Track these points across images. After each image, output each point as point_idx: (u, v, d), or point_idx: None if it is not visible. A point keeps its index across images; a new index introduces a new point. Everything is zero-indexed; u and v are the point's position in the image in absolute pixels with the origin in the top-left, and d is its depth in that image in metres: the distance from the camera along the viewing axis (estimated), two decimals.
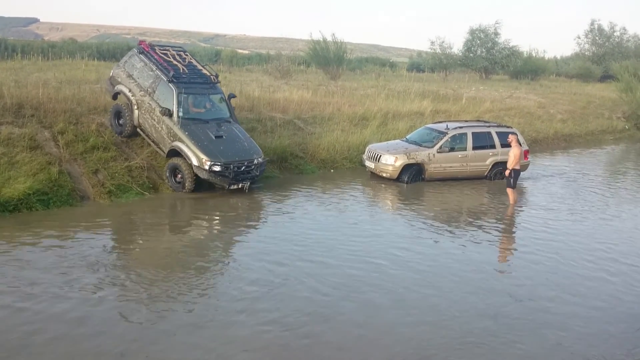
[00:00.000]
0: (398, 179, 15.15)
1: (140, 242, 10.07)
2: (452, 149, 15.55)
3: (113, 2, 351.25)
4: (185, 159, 12.46)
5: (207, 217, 11.66)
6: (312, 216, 11.92)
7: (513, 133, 15.49)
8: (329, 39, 34.91)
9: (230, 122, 13.57)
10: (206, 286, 8.12)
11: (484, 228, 11.76)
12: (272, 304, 7.57)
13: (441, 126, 16.37)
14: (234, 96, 14.69)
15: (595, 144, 25.27)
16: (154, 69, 13.13)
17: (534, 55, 48.72)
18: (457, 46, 54.68)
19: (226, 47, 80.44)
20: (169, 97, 12.73)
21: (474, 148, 15.62)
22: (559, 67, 55.20)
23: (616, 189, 16.38)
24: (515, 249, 10.65)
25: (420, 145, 15.63)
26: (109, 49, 45.43)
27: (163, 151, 13.01)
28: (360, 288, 8.27)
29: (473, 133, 15.79)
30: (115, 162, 13.06)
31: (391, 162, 15.10)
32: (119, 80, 13.69)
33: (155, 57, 13.41)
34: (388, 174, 15.20)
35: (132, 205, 12.02)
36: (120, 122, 13.68)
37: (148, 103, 13.02)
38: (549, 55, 71.26)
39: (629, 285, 8.89)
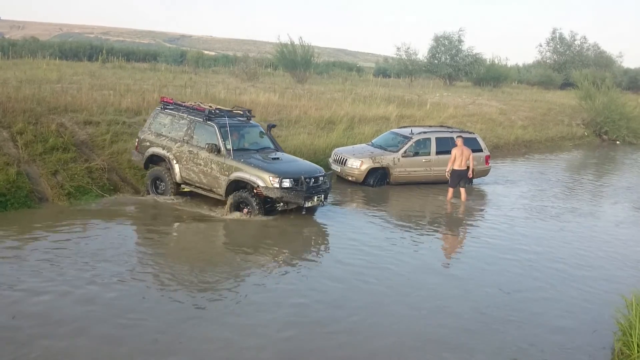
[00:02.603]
0: (364, 183, 15.26)
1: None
2: (416, 154, 15.74)
3: (76, 1, 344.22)
4: (248, 188, 11.56)
5: (162, 220, 11.53)
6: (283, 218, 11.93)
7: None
8: (297, 42, 35.11)
9: (277, 150, 12.82)
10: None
11: (444, 229, 12.02)
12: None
13: (406, 131, 16.57)
14: (274, 125, 13.89)
15: (555, 150, 25.90)
16: (186, 116, 12.36)
17: (496, 62, 49.63)
18: (422, 52, 55.34)
19: (192, 48, 79.75)
20: (211, 135, 11.88)
21: (438, 153, 15.82)
22: (521, 74, 56.42)
23: (572, 194, 16.81)
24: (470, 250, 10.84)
25: (386, 150, 15.78)
26: (71, 48, 44.65)
27: (220, 194, 11.91)
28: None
29: (437, 138, 16.02)
30: (75, 163, 12.79)
31: (357, 165, 15.20)
32: (148, 144, 12.65)
33: (183, 105, 12.68)
34: (354, 178, 15.30)
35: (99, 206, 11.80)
36: (161, 186, 12.64)
37: (188, 151, 12.13)
38: (511, 62, 73.07)
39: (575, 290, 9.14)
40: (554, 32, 59.91)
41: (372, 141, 16.91)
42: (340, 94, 27.26)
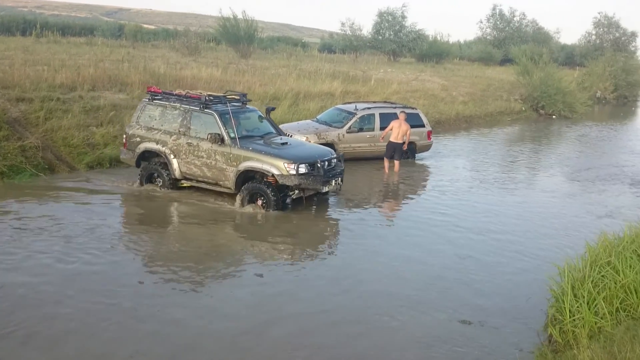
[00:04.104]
0: None
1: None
2: (360, 130, 15.84)
3: None
4: (257, 178, 10.89)
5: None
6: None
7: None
8: (240, 16, 34.51)
9: (280, 135, 12.17)
10: None
11: (392, 202, 12.25)
12: None
13: (350, 107, 16.62)
14: (273, 109, 13.18)
15: (494, 125, 26.57)
16: (178, 105, 11.45)
17: (438, 39, 50.32)
18: (366, 28, 55.42)
19: (130, 21, 77.08)
20: (211, 124, 11.06)
21: (382, 128, 15.91)
22: (462, 50, 57.43)
23: (510, 166, 17.35)
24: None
25: (331, 126, 15.79)
26: (3, 23, 42.55)
27: (227, 187, 11.08)
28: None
29: (380, 114, 16.15)
30: (7, 141, 12.25)
31: None
32: (139, 139, 11.69)
33: (174, 94, 11.80)
34: None
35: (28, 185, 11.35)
36: (157, 181, 11.73)
37: (186, 143, 11.24)
38: (453, 39, 73.95)
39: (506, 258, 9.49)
40: (494, 9, 61.22)
41: (317, 117, 16.89)
42: (284, 70, 27.04)
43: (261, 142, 11.26)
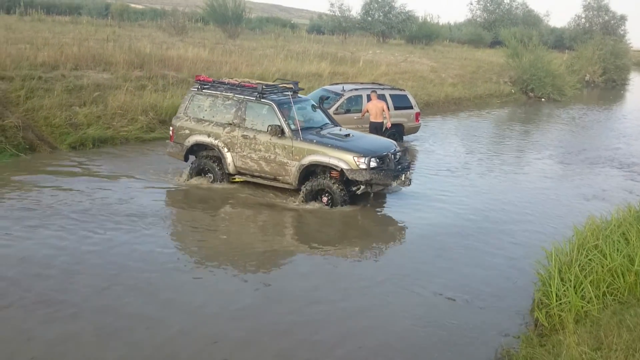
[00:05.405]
0: None
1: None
2: (348, 111, 15.64)
3: None
4: (325, 173, 10.20)
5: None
6: None
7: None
8: None
9: (336, 126, 11.47)
10: None
11: None
12: None
13: (338, 88, 16.40)
14: (327, 97, 12.25)
15: (483, 108, 26.46)
16: (231, 95, 10.73)
17: (428, 20, 49.95)
18: (355, 9, 54.99)
19: (117, 0, 75.93)
20: (269, 115, 10.37)
21: None
22: (452, 32, 57.12)
23: (500, 149, 17.28)
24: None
25: None
26: None
27: (288, 182, 10.38)
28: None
29: (368, 95, 15.94)
30: None
31: None
32: (187, 132, 10.94)
33: (226, 82, 11.10)
34: None
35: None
36: (208, 179, 11.05)
37: (242, 136, 10.52)
38: (443, 21, 73.56)
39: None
40: None
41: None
42: (272, 51, 26.74)
43: (321, 133, 10.60)
